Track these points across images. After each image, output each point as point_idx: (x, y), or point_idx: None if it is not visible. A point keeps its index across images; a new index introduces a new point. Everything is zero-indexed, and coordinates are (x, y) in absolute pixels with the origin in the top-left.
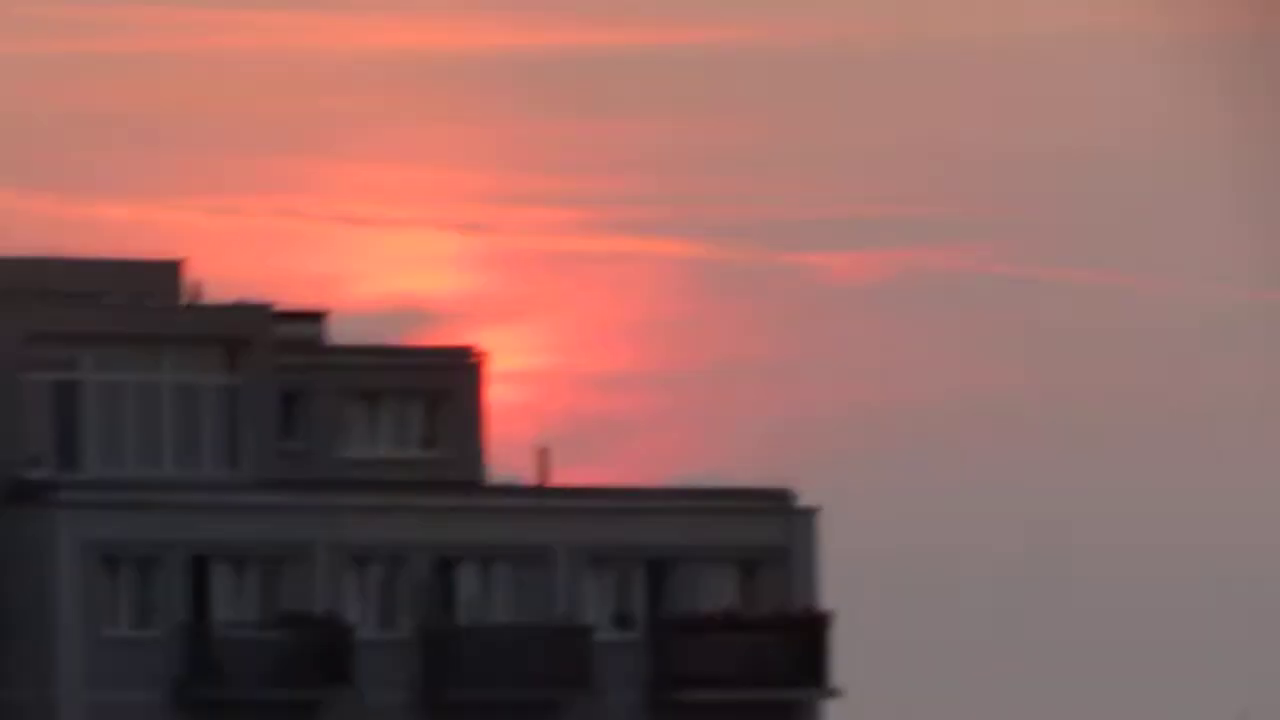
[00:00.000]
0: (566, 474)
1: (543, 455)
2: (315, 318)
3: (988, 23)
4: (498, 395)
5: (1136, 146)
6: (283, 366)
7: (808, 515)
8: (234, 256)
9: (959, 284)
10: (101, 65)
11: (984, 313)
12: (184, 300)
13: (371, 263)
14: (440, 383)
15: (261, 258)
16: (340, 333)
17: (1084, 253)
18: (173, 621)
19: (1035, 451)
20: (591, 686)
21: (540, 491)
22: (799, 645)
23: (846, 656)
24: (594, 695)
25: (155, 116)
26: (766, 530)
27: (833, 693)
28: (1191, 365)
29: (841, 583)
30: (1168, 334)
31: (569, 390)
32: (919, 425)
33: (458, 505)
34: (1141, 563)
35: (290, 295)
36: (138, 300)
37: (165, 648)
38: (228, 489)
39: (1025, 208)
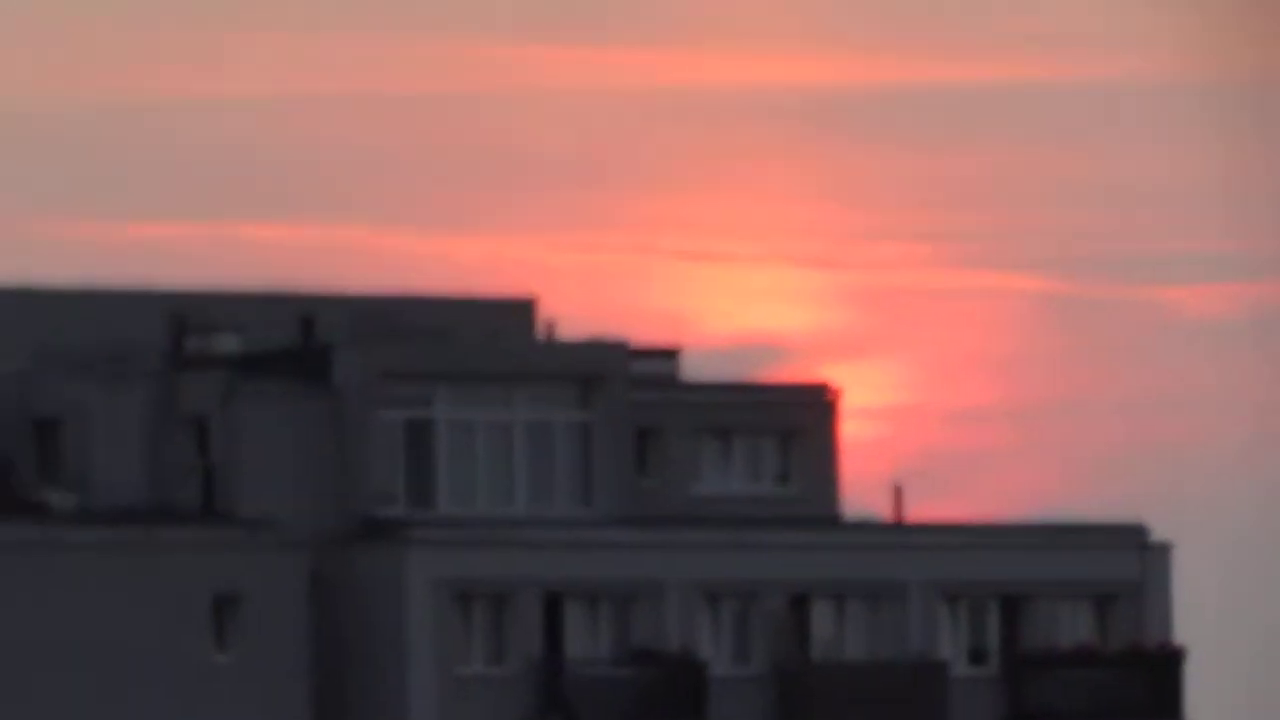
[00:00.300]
0: (920, 510)
1: (897, 491)
2: (669, 354)
3: None
4: (851, 431)
5: None
6: (636, 403)
7: (1162, 550)
8: (588, 293)
9: None
10: (456, 103)
11: None
12: (538, 337)
13: (725, 299)
14: (794, 419)
15: (615, 294)
16: (694, 369)
17: None
18: (526, 659)
19: None
20: None
21: (894, 528)
22: (1153, 680)
23: (1200, 692)
24: None
25: (510, 153)
26: (1121, 565)
27: None
28: None
29: (1195, 618)
30: None
31: (922, 426)
32: (1272, 462)
33: (812, 542)
34: None
35: (644, 332)
36: (491, 338)
37: (518, 685)
38: (581, 526)
39: None
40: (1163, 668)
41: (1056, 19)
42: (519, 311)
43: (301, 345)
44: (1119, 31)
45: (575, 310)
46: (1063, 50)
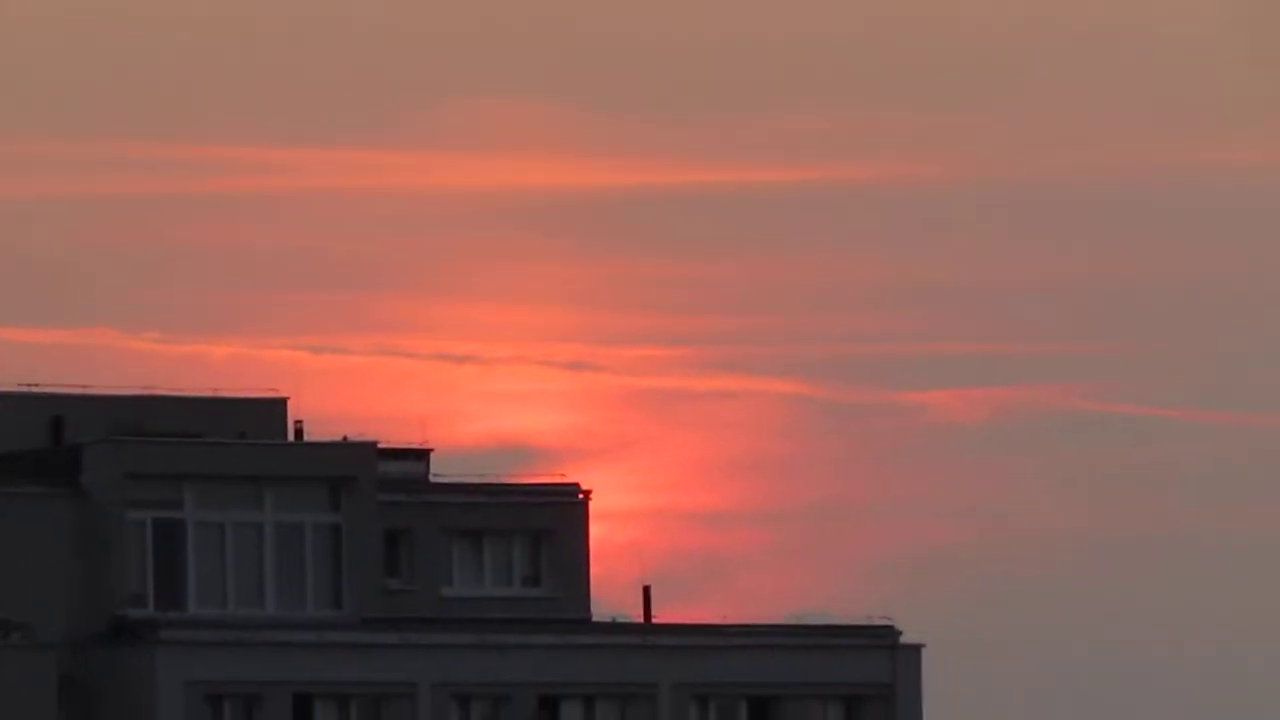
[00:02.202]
0: (670, 611)
1: (646, 592)
2: (419, 455)
3: (1095, 155)
4: (602, 533)
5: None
6: (386, 504)
7: (913, 651)
8: (338, 394)
9: (1067, 421)
10: (204, 205)
11: (1095, 451)
12: (287, 438)
13: (475, 400)
14: (545, 520)
15: (365, 395)
16: (444, 470)
17: (1201, 390)
18: None
19: (1151, 588)
20: None
21: (644, 628)
22: None
23: None
24: None
25: (259, 255)
26: (872, 666)
27: None
28: None
29: (947, 718)
30: None
31: (673, 527)
32: (1024, 563)
33: (562, 643)
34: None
35: (394, 433)
36: (241, 438)
37: None
38: (331, 627)
39: (1139, 343)
40: None
41: (814, 119)
42: (269, 411)
43: (50, 446)
44: (879, 133)
45: (326, 411)
46: (818, 152)
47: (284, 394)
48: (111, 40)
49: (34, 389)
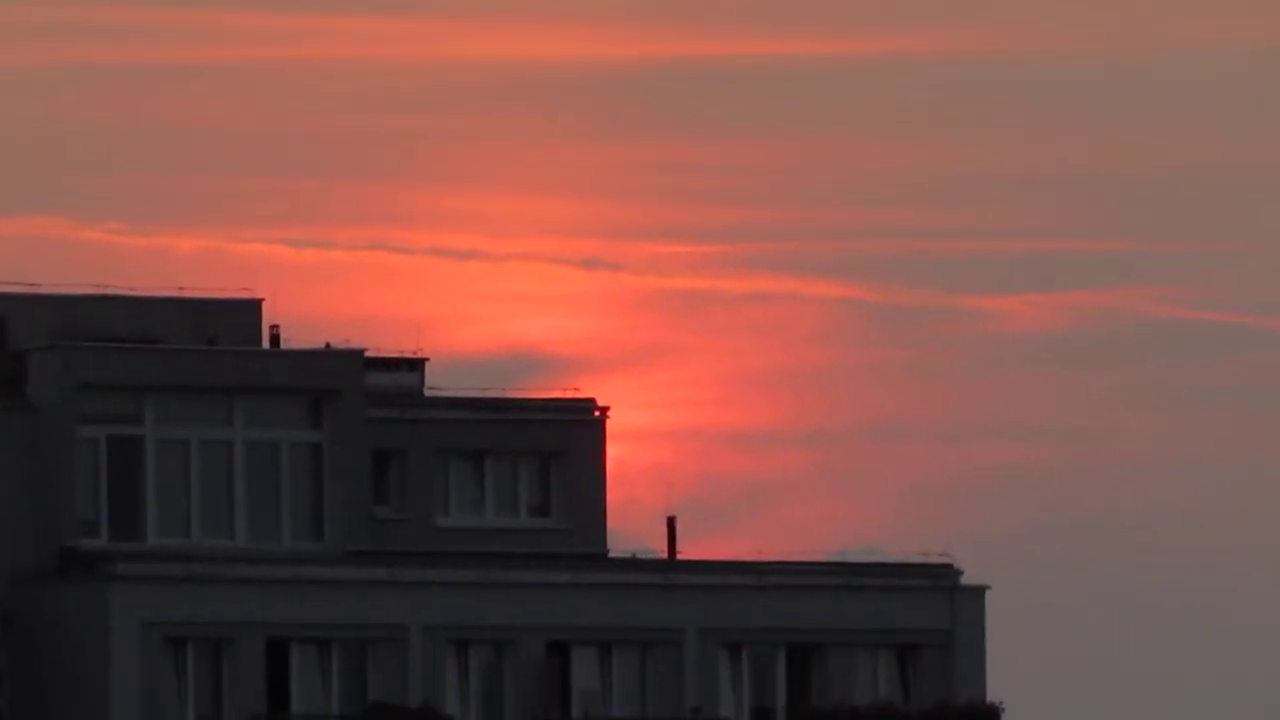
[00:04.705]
0: (698, 547)
1: (671, 524)
2: (412, 365)
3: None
4: (620, 455)
5: None
6: (375, 421)
7: (975, 594)
8: (320, 295)
9: (1153, 331)
10: (170, 77)
11: (1187, 365)
12: (263, 344)
13: (476, 302)
14: (555, 441)
15: (351, 296)
16: (441, 382)
17: None
18: (246, 713)
19: (1248, 522)
20: None
21: (668, 566)
22: None
23: None
24: None
25: (231, 136)
26: (927, 611)
27: None
28: None
29: (1012, 672)
30: None
31: (701, 450)
32: (1104, 494)
33: (573, 581)
34: None
35: (384, 339)
36: (208, 345)
37: None
38: (311, 562)
39: (1242, 241)
40: None
41: None
42: (242, 314)
43: None
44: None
45: (306, 313)
46: (870, 20)
47: (259, 294)
48: None
49: None
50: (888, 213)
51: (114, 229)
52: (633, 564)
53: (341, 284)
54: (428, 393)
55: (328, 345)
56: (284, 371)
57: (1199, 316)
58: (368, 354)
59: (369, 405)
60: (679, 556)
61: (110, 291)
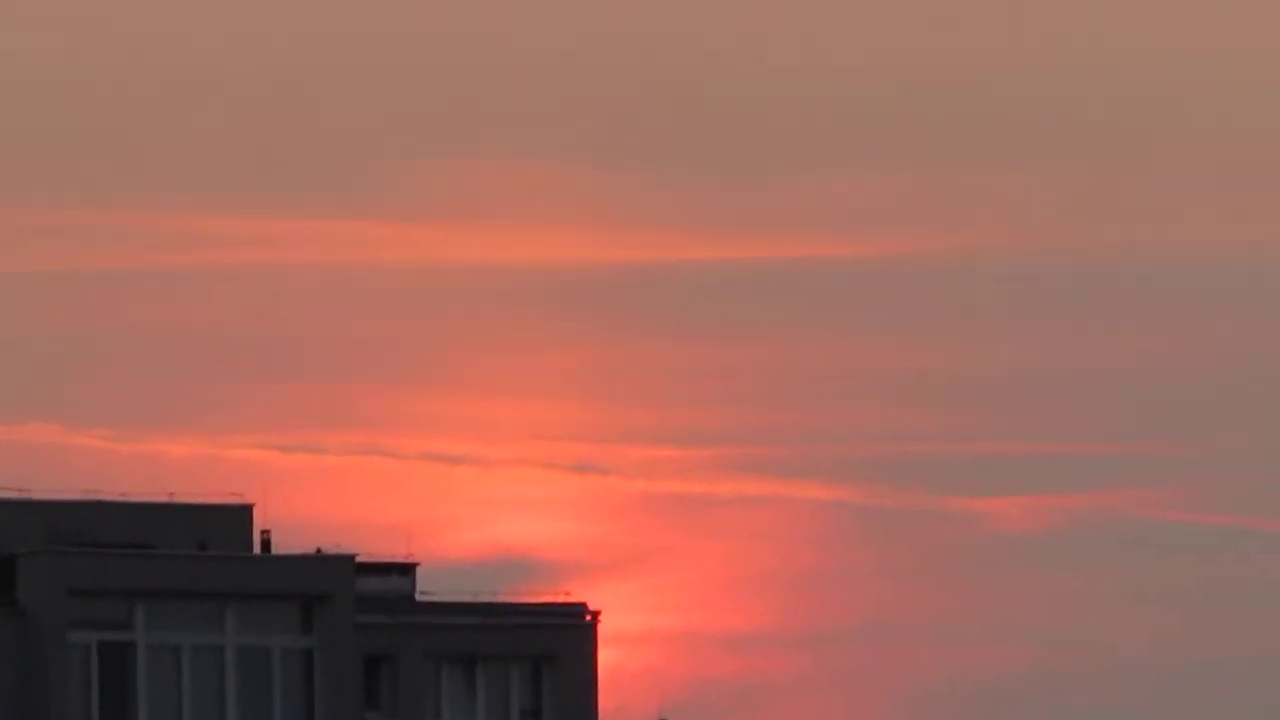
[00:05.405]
0: None
1: None
2: (404, 570)
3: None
4: (612, 659)
5: None
6: (366, 626)
7: None
8: (311, 500)
9: (1140, 533)
10: (159, 282)
11: (1173, 566)
12: (253, 549)
13: (468, 507)
14: (547, 645)
15: (342, 501)
16: (432, 587)
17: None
18: None
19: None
20: None
21: None
22: None
23: None
24: None
25: (221, 341)
26: None
27: None
28: None
29: None
30: None
31: (693, 653)
32: (1094, 694)
33: None
34: None
35: (375, 544)
36: (200, 550)
37: None
38: None
39: (1222, 445)
40: None
41: (849, 189)
42: (233, 520)
43: None
44: (923, 204)
45: (297, 519)
46: (854, 225)
47: (249, 499)
48: (54, 98)
49: None
50: (876, 414)
51: (102, 435)
52: None
53: (333, 488)
54: (419, 597)
55: (319, 550)
56: (275, 577)
57: (1181, 518)
58: (359, 559)
59: (360, 610)
60: None
61: (101, 497)
